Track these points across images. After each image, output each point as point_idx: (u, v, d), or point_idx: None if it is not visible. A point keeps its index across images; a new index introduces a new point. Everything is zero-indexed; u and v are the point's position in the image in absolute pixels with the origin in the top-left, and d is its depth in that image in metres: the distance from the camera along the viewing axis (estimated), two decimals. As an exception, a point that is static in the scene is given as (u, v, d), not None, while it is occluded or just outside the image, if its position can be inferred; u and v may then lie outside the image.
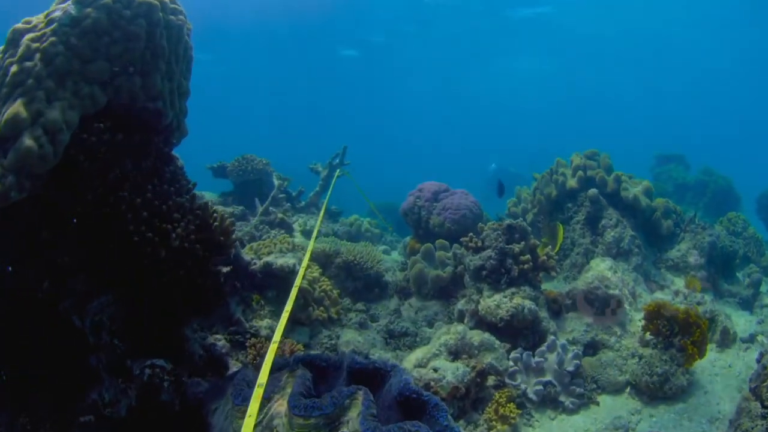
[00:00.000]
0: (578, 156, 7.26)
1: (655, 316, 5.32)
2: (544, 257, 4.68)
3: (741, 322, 6.86)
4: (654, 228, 7.31)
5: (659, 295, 6.69)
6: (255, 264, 4.26)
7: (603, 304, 5.30)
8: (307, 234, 6.76)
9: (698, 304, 6.76)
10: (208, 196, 8.89)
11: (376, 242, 9.41)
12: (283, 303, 4.06)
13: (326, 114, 41.88)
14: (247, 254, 4.73)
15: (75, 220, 2.99)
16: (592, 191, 6.72)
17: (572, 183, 7.05)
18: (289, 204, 6.98)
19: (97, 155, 2.91)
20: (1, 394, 3.24)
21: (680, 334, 5.24)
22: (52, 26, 3.09)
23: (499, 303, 4.37)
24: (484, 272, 4.50)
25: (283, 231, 6.34)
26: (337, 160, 8.86)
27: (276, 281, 4.36)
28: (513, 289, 4.45)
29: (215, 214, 3.03)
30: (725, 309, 6.92)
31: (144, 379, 3.30)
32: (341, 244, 5.62)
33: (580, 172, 7.04)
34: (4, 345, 3.19)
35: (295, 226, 7.03)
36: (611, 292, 5.31)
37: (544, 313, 4.62)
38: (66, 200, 2.96)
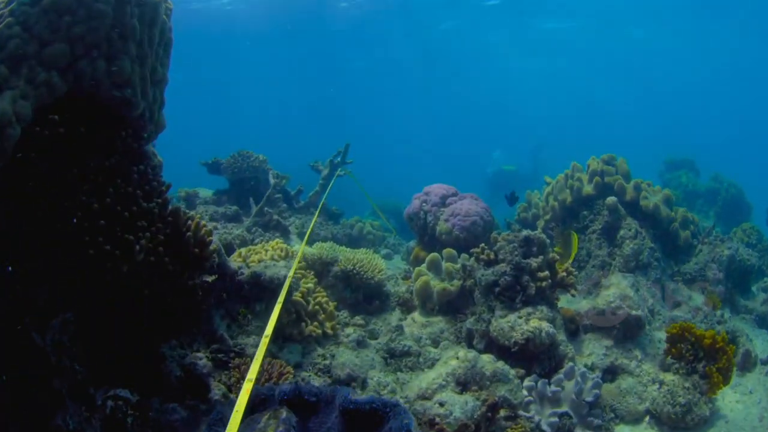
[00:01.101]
0: (595, 160, 6.79)
1: (679, 339, 4.98)
2: (564, 273, 4.22)
3: (759, 342, 6.49)
4: (671, 239, 6.87)
5: (678, 313, 6.28)
6: (242, 274, 3.81)
7: (625, 326, 4.86)
8: (304, 237, 6.31)
9: (719, 323, 6.39)
10: (202, 193, 8.46)
11: (378, 245, 8.98)
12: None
13: (328, 112, 41.40)
14: (235, 261, 4.28)
15: (27, 226, 2.56)
16: (611, 199, 6.25)
17: (588, 189, 6.59)
18: (285, 205, 6.53)
19: (51, 152, 2.47)
20: (1, 395, 2.87)
21: (705, 360, 4.92)
22: (11, 6, 2.65)
23: (513, 324, 3.91)
24: (497, 289, 4.04)
25: (278, 234, 5.89)
26: (339, 158, 8.41)
27: (265, 293, 3.92)
28: (529, 309, 4.00)
29: (189, 222, 2.58)
30: (742, 327, 6.58)
31: (107, 411, 2.87)
32: (339, 251, 5.16)
33: (597, 178, 6.58)
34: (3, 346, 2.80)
35: (292, 228, 6.58)
36: (633, 312, 4.86)
37: (562, 336, 4.16)
38: (16, 204, 2.52)
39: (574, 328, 4.68)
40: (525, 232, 4.19)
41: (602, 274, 6.23)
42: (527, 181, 16.98)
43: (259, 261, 4.21)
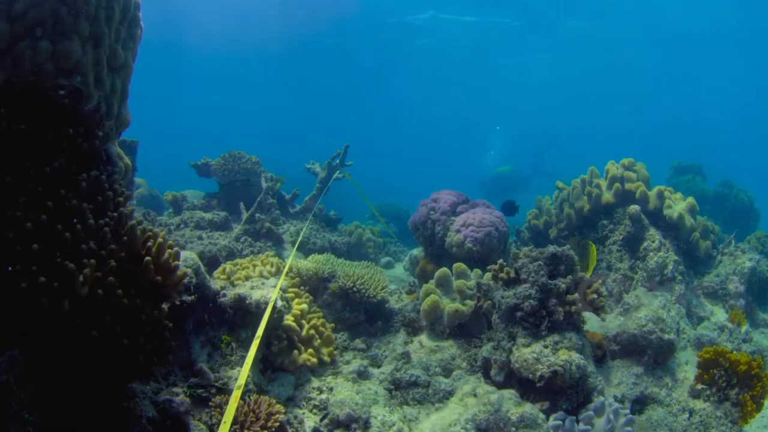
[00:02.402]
0: (614, 165, 6.28)
1: (712, 364, 4.66)
2: (594, 295, 3.70)
3: (780, 359, 6.08)
4: (691, 249, 6.40)
5: (704, 332, 5.84)
6: (224, 296, 3.28)
7: (657, 352, 4.34)
8: (299, 247, 5.76)
9: (744, 341, 6.00)
10: (192, 196, 7.92)
11: (378, 253, 8.46)
12: (260, 346, 3.09)
13: (326, 114, 40.77)
14: (218, 278, 3.75)
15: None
16: (634, 208, 5.74)
17: (608, 197, 6.07)
18: (278, 211, 5.99)
19: (-24, 153, 1.95)
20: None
21: (738, 387, 4.58)
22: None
23: (538, 356, 3.39)
24: (519, 314, 3.51)
25: (270, 243, 5.34)
26: (337, 160, 7.87)
27: (252, 318, 3.39)
28: (555, 337, 3.47)
29: (149, 243, 2.05)
30: (762, 342, 6.20)
31: (55, 471, 2.35)
32: (337, 265, 4.63)
33: (617, 185, 6.06)
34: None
35: (286, 236, 6.03)
36: (666, 337, 4.35)
37: (591, 367, 3.64)
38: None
39: (601, 354, 4.17)
40: (551, 249, 3.66)
41: (622, 289, 5.74)
42: (523, 182, 16.35)
43: (246, 278, 3.68)
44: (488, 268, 4.00)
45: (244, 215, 5.70)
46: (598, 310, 3.80)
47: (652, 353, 4.32)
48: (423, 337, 4.25)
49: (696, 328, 5.99)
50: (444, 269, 4.40)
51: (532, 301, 3.45)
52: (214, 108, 40.54)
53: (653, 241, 5.76)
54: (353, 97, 38.25)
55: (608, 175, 6.21)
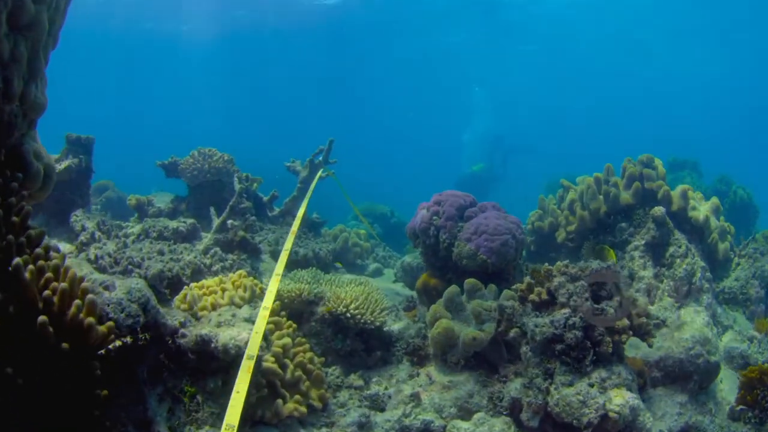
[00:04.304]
0: (631, 163, 5.64)
1: (757, 384, 4.17)
2: (642, 319, 3.03)
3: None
4: (710, 252, 5.84)
5: (733, 344, 5.28)
6: (184, 336, 2.52)
7: (702, 377, 3.71)
8: (279, 256, 4.99)
9: None
10: (158, 199, 7.10)
11: (366, 259, 7.76)
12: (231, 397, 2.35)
13: (305, 108, 39.82)
14: (178, 308, 2.99)
15: None
16: (658, 210, 5.12)
17: (627, 197, 5.44)
18: (254, 217, 5.22)
19: None
20: None
21: None
22: None
23: (584, 398, 2.70)
24: (559, 346, 2.83)
25: (244, 256, 4.57)
26: (320, 158, 7.12)
27: (221, 363, 2.64)
28: (602, 373, 2.79)
29: (48, 289, 1.30)
30: None
31: None
32: (325, 283, 3.88)
33: (636, 184, 5.42)
34: None
35: (264, 245, 5.27)
36: (713, 359, 3.73)
37: (641, 404, 2.97)
38: None
39: (642, 383, 3.52)
40: (594, 265, 2.98)
41: (649, 300, 5.12)
42: (497, 180, 15.87)
43: (214, 307, 2.93)
44: (514, 287, 3.30)
45: (215, 222, 4.92)
46: (645, 335, 3.13)
47: (698, 378, 3.69)
48: (432, 369, 3.53)
49: (721, 339, 5.43)
50: (454, 287, 3.68)
51: (576, 331, 2.76)
52: (191, 104, 39.41)
53: (680, 247, 5.13)
54: (336, 95, 37.53)
55: (626, 173, 5.56)
